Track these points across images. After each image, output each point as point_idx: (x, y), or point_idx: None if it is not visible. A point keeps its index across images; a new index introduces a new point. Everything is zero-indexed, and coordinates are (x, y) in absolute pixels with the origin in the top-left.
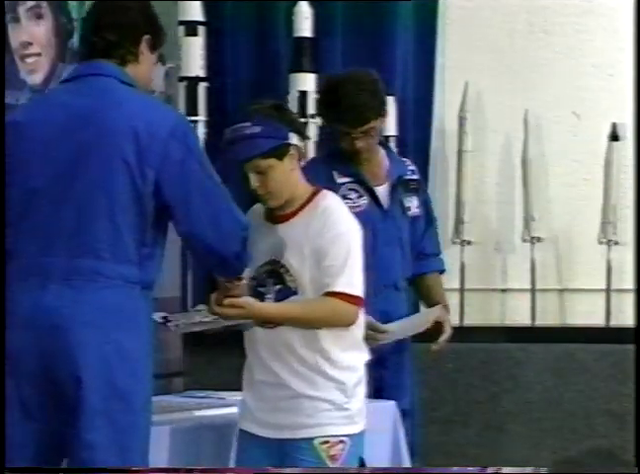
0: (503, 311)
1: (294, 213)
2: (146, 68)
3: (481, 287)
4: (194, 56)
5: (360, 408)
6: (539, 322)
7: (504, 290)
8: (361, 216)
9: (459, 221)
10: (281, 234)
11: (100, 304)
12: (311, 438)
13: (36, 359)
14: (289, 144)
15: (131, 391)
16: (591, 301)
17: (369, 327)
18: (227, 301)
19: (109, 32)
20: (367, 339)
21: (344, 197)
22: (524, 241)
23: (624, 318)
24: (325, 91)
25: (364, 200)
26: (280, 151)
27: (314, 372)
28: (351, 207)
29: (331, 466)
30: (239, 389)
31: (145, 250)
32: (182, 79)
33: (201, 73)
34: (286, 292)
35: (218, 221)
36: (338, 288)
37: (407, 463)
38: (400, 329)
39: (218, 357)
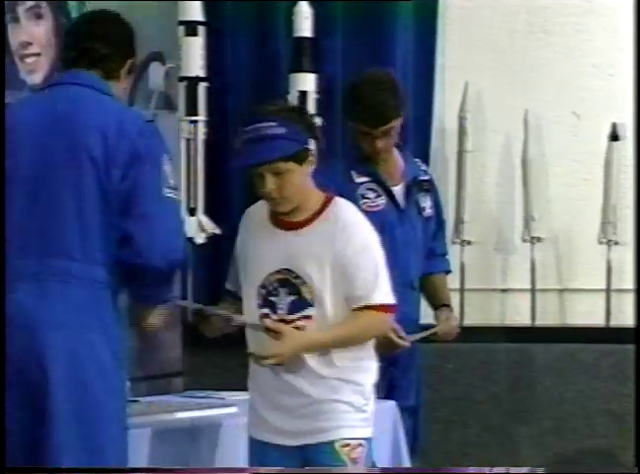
0: (503, 311)
1: (309, 221)
2: (123, 89)
3: (481, 287)
4: (194, 56)
5: (373, 411)
6: (539, 322)
7: (504, 290)
8: (380, 216)
9: (459, 221)
10: (296, 242)
11: (70, 305)
12: (332, 441)
13: (8, 360)
14: (309, 149)
15: (101, 393)
16: (591, 301)
17: (398, 335)
18: (272, 325)
19: (101, 43)
20: (390, 347)
21: (362, 197)
22: (524, 241)
23: (624, 318)
24: (347, 91)
25: (382, 200)
26: (301, 156)
27: (333, 378)
28: (369, 207)
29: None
30: (239, 389)
31: (112, 250)
32: (182, 79)
33: (201, 73)
34: (301, 303)
35: (157, 232)
36: (375, 301)
37: (407, 463)
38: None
39: (218, 357)
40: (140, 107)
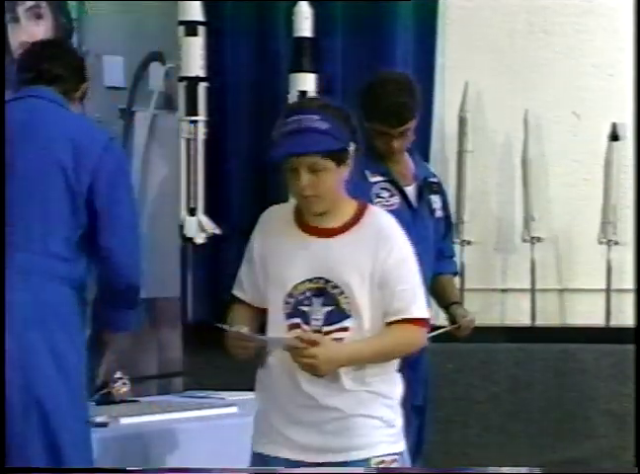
0: (503, 311)
1: (345, 228)
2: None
3: (481, 287)
4: (194, 56)
5: (402, 426)
6: (539, 322)
7: (504, 290)
8: (394, 215)
9: (459, 221)
10: (331, 250)
11: (30, 300)
12: (367, 459)
13: None
14: (349, 151)
15: (61, 391)
16: (591, 301)
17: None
18: (306, 336)
19: (56, 64)
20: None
21: (377, 196)
22: (524, 241)
23: (624, 318)
24: (365, 91)
25: (396, 200)
26: (341, 156)
27: (362, 390)
28: (383, 206)
29: None
30: (239, 389)
31: (75, 249)
32: (182, 79)
33: (201, 73)
34: (339, 315)
35: (133, 246)
36: (415, 315)
37: (407, 463)
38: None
39: (218, 357)
40: (140, 107)
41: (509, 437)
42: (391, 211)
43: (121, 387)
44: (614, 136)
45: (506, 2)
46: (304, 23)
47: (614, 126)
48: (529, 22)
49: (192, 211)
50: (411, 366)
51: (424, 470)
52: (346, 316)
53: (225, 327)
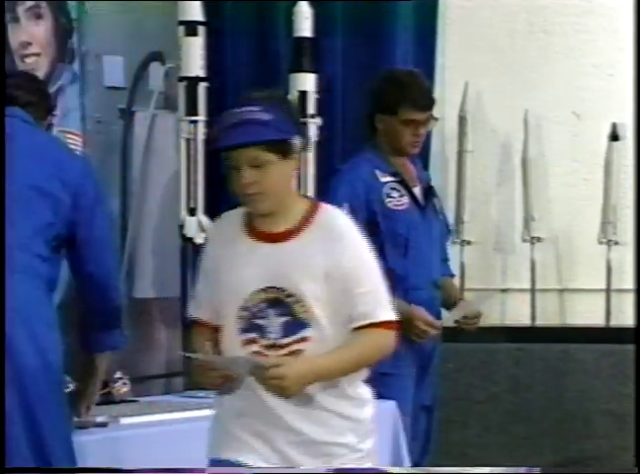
0: (503, 311)
1: (296, 231)
2: None
3: (481, 287)
4: (194, 56)
5: (371, 448)
6: (539, 322)
7: (504, 290)
8: (405, 214)
9: (459, 221)
10: (282, 256)
11: (16, 296)
12: None
13: None
14: (294, 144)
15: (46, 389)
16: (591, 301)
17: (426, 323)
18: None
19: (29, 93)
20: (421, 335)
21: (387, 196)
22: (524, 241)
23: (624, 318)
24: (388, 82)
25: (406, 199)
26: (286, 148)
27: (330, 413)
28: (395, 205)
29: None
30: None
31: (53, 250)
32: (182, 79)
33: (201, 73)
34: (297, 325)
35: (115, 269)
36: (381, 318)
37: (407, 463)
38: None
39: None
40: (140, 107)
41: (509, 437)
42: (403, 210)
43: (121, 387)
44: (614, 136)
45: (506, 2)
46: (304, 23)
47: (614, 126)
48: (529, 22)
49: (192, 211)
50: (422, 367)
51: (424, 470)
52: (304, 326)
53: (189, 354)
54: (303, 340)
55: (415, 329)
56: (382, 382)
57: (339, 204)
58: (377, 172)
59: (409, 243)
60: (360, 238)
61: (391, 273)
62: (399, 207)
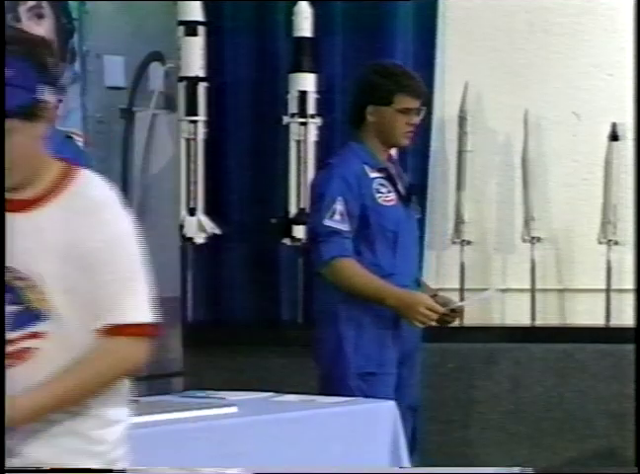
0: (503, 311)
1: (43, 199)
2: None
3: (481, 287)
4: (194, 56)
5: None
6: (539, 322)
7: (504, 290)
8: (394, 210)
9: (459, 221)
10: (22, 228)
11: None
12: None
13: None
14: (43, 102)
15: None
16: (591, 301)
17: (429, 308)
18: None
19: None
20: (424, 320)
21: (377, 191)
22: (524, 241)
23: (624, 318)
24: (383, 72)
25: (393, 196)
26: (31, 110)
27: (66, 437)
28: (385, 201)
29: None
30: (239, 389)
31: None
32: (182, 79)
33: (201, 73)
34: (29, 316)
35: None
36: (131, 317)
37: (407, 463)
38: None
39: (218, 357)
40: (140, 107)
41: (509, 437)
42: (392, 206)
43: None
44: (614, 136)
45: (506, 2)
46: (304, 23)
47: (614, 126)
48: (529, 22)
49: (192, 211)
50: (407, 366)
51: (424, 470)
52: (38, 318)
53: None
54: (36, 335)
55: (417, 314)
56: (366, 381)
57: (333, 198)
58: (366, 167)
59: (397, 239)
60: (121, 215)
61: (379, 268)
62: (388, 203)
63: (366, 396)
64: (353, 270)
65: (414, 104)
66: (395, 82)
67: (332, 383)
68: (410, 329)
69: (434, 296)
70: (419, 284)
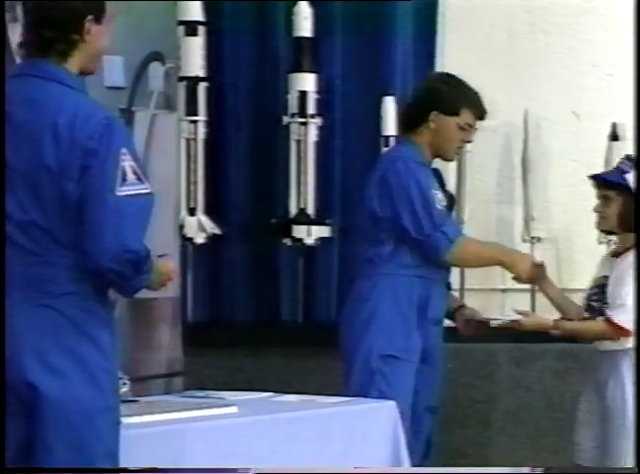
0: (503, 311)
1: None
2: (95, 44)
3: (481, 287)
4: (194, 56)
5: None
6: None
7: (504, 290)
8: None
9: (460, 221)
10: None
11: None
12: None
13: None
14: None
15: (88, 394)
16: None
17: (532, 264)
18: None
19: (45, 28)
20: (524, 276)
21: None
22: (524, 241)
23: None
24: (457, 81)
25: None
26: None
27: None
28: (439, 204)
29: None
30: (239, 389)
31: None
32: (182, 79)
33: (201, 73)
34: None
35: (102, 236)
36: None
37: (407, 463)
38: None
39: (218, 357)
40: (140, 107)
41: (509, 437)
42: (443, 210)
43: (121, 387)
44: (614, 136)
45: (506, 2)
46: (304, 23)
47: (614, 126)
48: (529, 22)
49: (192, 211)
50: (429, 364)
51: (424, 470)
52: None
53: None
54: None
55: (524, 270)
56: (389, 364)
57: (429, 186)
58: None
59: None
60: None
61: (423, 270)
62: (442, 207)
63: (386, 381)
64: (475, 242)
65: (474, 123)
66: (466, 96)
67: (354, 364)
68: (435, 322)
69: (461, 307)
70: (449, 288)
